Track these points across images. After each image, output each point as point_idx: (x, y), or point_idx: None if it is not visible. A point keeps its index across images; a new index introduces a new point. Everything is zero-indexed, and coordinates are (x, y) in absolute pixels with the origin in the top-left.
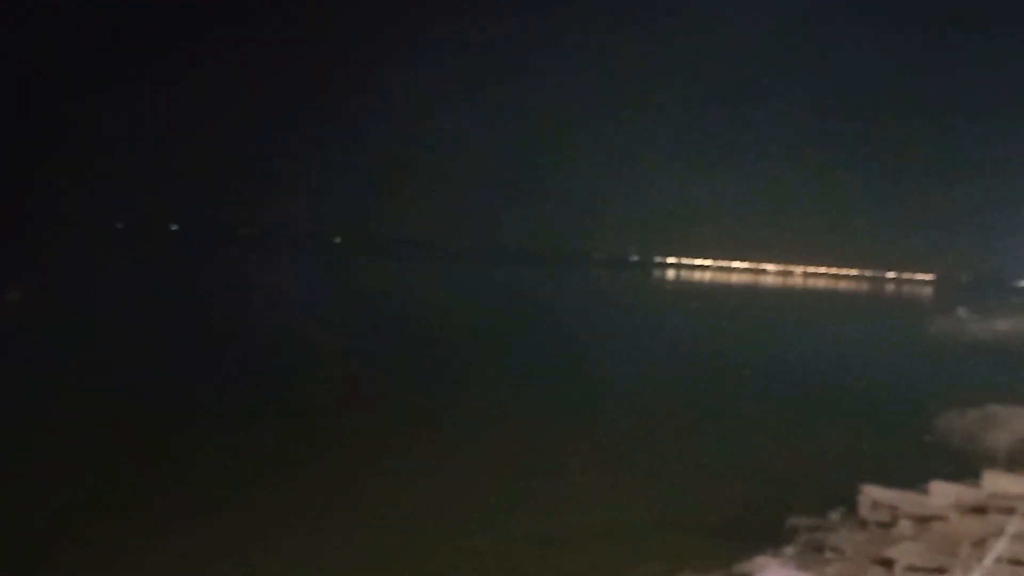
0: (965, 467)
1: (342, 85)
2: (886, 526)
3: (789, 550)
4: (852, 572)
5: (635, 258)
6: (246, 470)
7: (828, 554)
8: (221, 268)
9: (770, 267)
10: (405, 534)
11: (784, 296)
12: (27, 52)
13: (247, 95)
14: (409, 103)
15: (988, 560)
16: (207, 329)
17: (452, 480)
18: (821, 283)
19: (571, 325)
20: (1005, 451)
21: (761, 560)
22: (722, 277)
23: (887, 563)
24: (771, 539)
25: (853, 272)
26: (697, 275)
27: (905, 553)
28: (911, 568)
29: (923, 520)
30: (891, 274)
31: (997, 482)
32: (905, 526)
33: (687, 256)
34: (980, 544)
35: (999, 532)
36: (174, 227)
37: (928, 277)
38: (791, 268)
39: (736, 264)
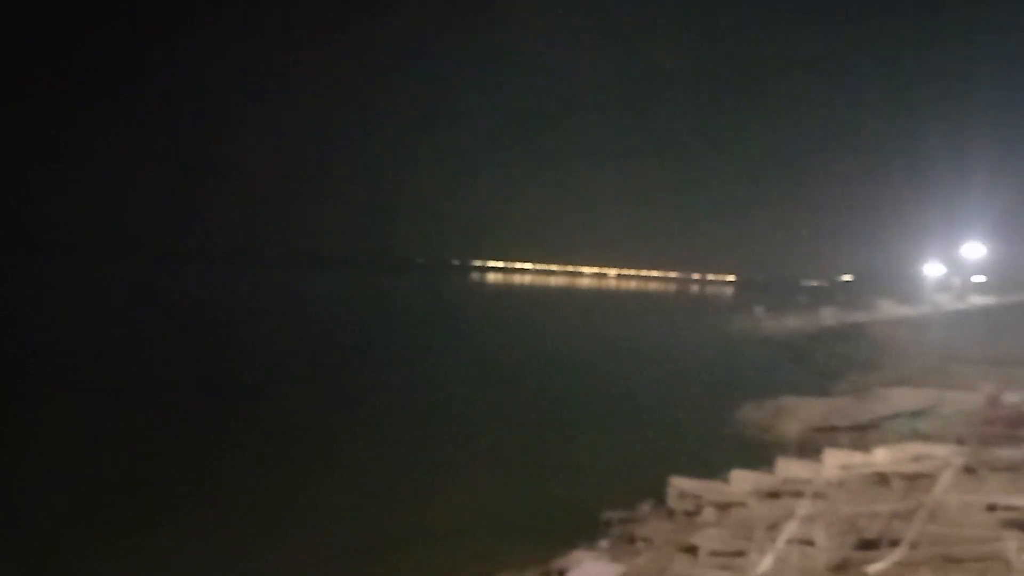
0: (762, 455)
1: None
2: (692, 514)
3: (603, 543)
4: (660, 560)
5: (456, 262)
6: None
7: (639, 544)
8: None
9: (586, 270)
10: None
11: (599, 298)
12: None
13: None
14: (210, 102)
15: (780, 542)
16: None
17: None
18: (633, 285)
19: (392, 331)
20: (796, 439)
21: (576, 555)
22: (541, 280)
23: (692, 549)
24: (586, 534)
25: (662, 274)
26: (517, 278)
27: (708, 539)
28: (713, 553)
29: (725, 507)
30: (696, 276)
31: (789, 468)
32: (709, 513)
33: (508, 260)
34: (774, 527)
35: (791, 515)
36: None
37: (729, 278)
38: (605, 271)
39: (554, 267)
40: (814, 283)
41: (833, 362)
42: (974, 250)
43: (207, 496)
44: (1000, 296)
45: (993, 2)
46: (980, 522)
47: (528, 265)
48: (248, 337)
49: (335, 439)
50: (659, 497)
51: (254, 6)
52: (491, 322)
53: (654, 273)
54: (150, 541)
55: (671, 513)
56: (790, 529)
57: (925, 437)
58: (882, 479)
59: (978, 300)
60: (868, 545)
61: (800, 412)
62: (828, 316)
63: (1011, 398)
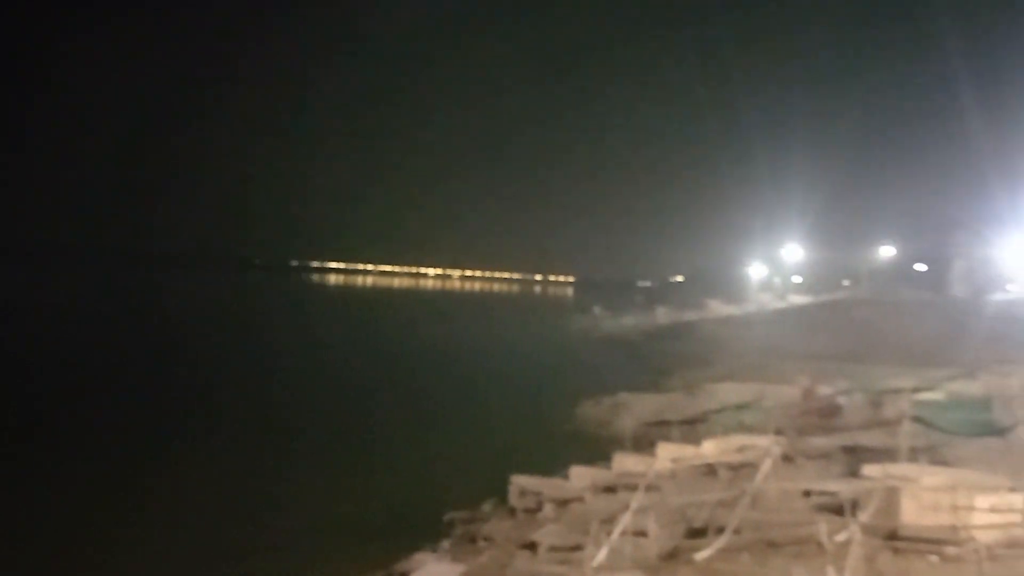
0: (599, 451)
1: None
2: (532, 511)
3: (445, 544)
4: (501, 558)
5: (296, 263)
6: None
7: (480, 544)
8: None
9: (429, 271)
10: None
11: (442, 299)
12: None
13: None
14: (43, 95)
15: (615, 534)
16: None
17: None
18: (477, 286)
19: (231, 333)
20: (631, 434)
21: (419, 557)
22: (384, 281)
23: (532, 546)
24: (429, 535)
25: (505, 275)
26: (359, 280)
27: (547, 535)
28: (552, 548)
29: (564, 503)
30: (538, 276)
31: (624, 462)
32: (549, 510)
33: (349, 261)
34: (610, 520)
35: (626, 508)
36: None
37: (569, 279)
38: (449, 272)
39: (397, 269)
40: (648, 283)
41: (666, 359)
42: (793, 252)
43: (24, 504)
44: (815, 295)
45: (816, 19)
46: (796, 507)
47: (370, 266)
48: (82, 339)
49: (171, 445)
50: (501, 496)
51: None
52: (332, 324)
53: (497, 274)
54: None
55: (512, 511)
56: (625, 521)
57: (749, 429)
58: (710, 470)
59: (796, 299)
60: (696, 533)
61: (635, 408)
62: (662, 315)
63: (824, 390)
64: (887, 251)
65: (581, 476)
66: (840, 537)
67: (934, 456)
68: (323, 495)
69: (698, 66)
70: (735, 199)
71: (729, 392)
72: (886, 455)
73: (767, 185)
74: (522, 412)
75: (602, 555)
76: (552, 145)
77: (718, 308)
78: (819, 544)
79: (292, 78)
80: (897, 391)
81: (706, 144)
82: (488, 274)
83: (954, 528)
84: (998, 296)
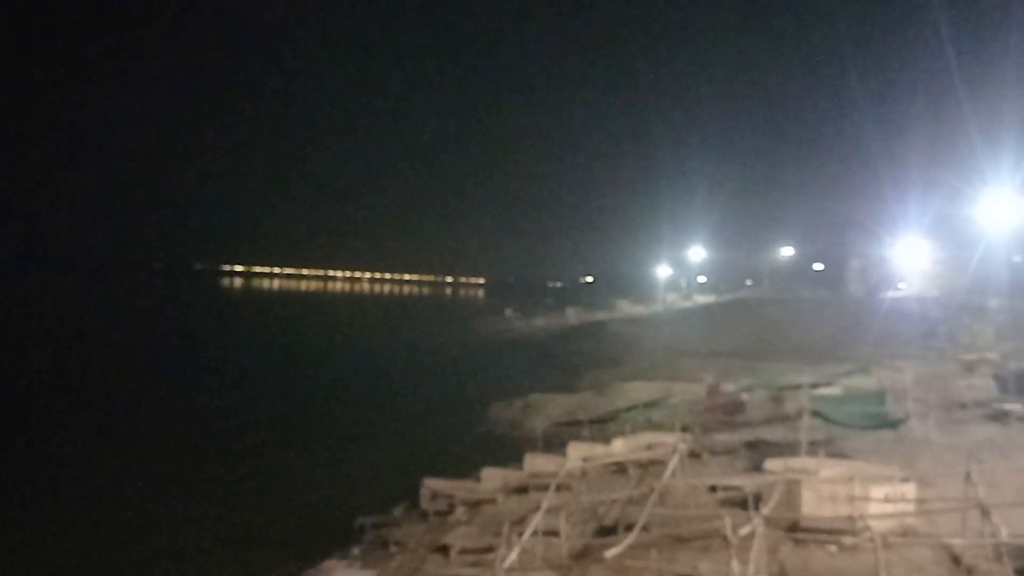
0: (511, 452)
1: None
2: (444, 514)
3: (356, 550)
4: (412, 562)
5: (199, 266)
6: None
7: (392, 548)
8: None
9: (338, 274)
10: None
11: (352, 301)
12: None
13: None
14: None
15: (527, 535)
16: None
17: None
18: (387, 288)
19: (131, 339)
20: (542, 434)
21: (329, 564)
22: (291, 285)
23: (444, 549)
24: (339, 542)
25: (415, 277)
26: (266, 283)
27: (459, 538)
28: (463, 551)
29: (476, 505)
30: (449, 278)
31: (536, 463)
32: (460, 512)
33: (254, 264)
34: (521, 521)
35: (537, 508)
36: None
37: (480, 280)
38: (358, 274)
39: (305, 271)
40: (559, 284)
41: (577, 359)
42: (697, 253)
43: None
44: (719, 295)
45: (719, 28)
46: (703, 503)
47: (277, 269)
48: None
49: (73, 453)
50: (413, 499)
51: None
52: (236, 330)
53: (407, 276)
54: None
55: (424, 515)
56: (536, 522)
57: (657, 427)
58: (620, 468)
59: (701, 299)
60: (607, 531)
61: (547, 408)
62: (572, 316)
63: (728, 387)
64: (786, 251)
65: (493, 477)
66: (744, 530)
67: (832, 449)
68: (231, 505)
69: (605, 72)
70: (642, 202)
71: (638, 391)
72: (787, 449)
73: (673, 189)
74: (433, 415)
75: (513, 556)
76: (461, 148)
77: (627, 308)
78: (725, 538)
79: (197, 78)
80: (797, 387)
81: (613, 148)
82: (398, 276)
83: (851, 518)
84: (891, 294)
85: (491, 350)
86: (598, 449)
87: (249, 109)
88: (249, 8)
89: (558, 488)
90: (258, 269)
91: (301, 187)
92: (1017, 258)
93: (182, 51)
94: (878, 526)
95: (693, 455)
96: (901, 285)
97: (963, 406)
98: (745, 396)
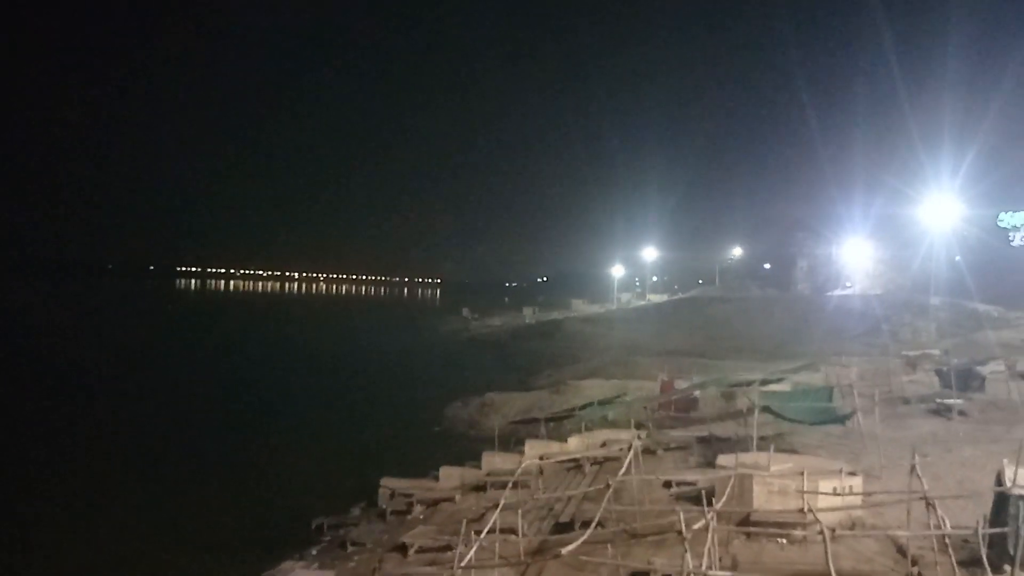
0: (469, 450)
1: None
2: (402, 513)
3: (313, 551)
4: (370, 562)
5: (153, 267)
6: None
7: (350, 548)
8: None
9: (295, 274)
10: None
11: (310, 301)
12: None
13: None
14: None
15: (484, 532)
16: None
17: None
18: (344, 288)
19: (87, 339)
20: (499, 433)
21: (286, 565)
22: (247, 285)
23: (402, 548)
24: (297, 543)
25: (372, 277)
26: (222, 284)
27: (417, 536)
28: (421, 550)
29: (434, 503)
30: (405, 278)
31: (493, 461)
32: (419, 511)
33: (211, 265)
34: (479, 519)
35: (495, 506)
36: None
37: (437, 280)
38: (315, 274)
39: (261, 272)
40: (515, 284)
41: (533, 358)
42: (650, 253)
43: None
44: (671, 294)
45: (670, 32)
46: (657, 498)
47: (233, 270)
48: None
49: (30, 456)
50: (371, 499)
51: None
52: (194, 329)
53: (364, 276)
54: None
55: (382, 514)
56: (493, 519)
57: (612, 424)
58: (576, 465)
59: (654, 298)
60: (563, 527)
61: (504, 407)
62: (528, 315)
63: (681, 384)
64: (736, 252)
65: (451, 476)
66: (698, 525)
67: (782, 444)
68: (187, 507)
69: (559, 76)
70: (596, 204)
71: (593, 389)
72: (739, 445)
73: (626, 191)
74: (391, 415)
75: (471, 554)
76: (417, 149)
77: (582, 307)
78: (679, 532)
79: (153, 79)
80: (747, 384)
81: (568, 151)
82: (354, 276)
83: (801, 512)
84: (838, 292)
85: (448, 349)
86: (555, 447)
87: (203, 111)
88: (207, 14)
89: (515, 486)
90: (213, 270)
91: (256, 188)
92: (957, 257)
93: (140, 51)
94: (827, 519)
95: (648, 451)
96: (848, 283)
97: (907, 401)
98: (697, 393)
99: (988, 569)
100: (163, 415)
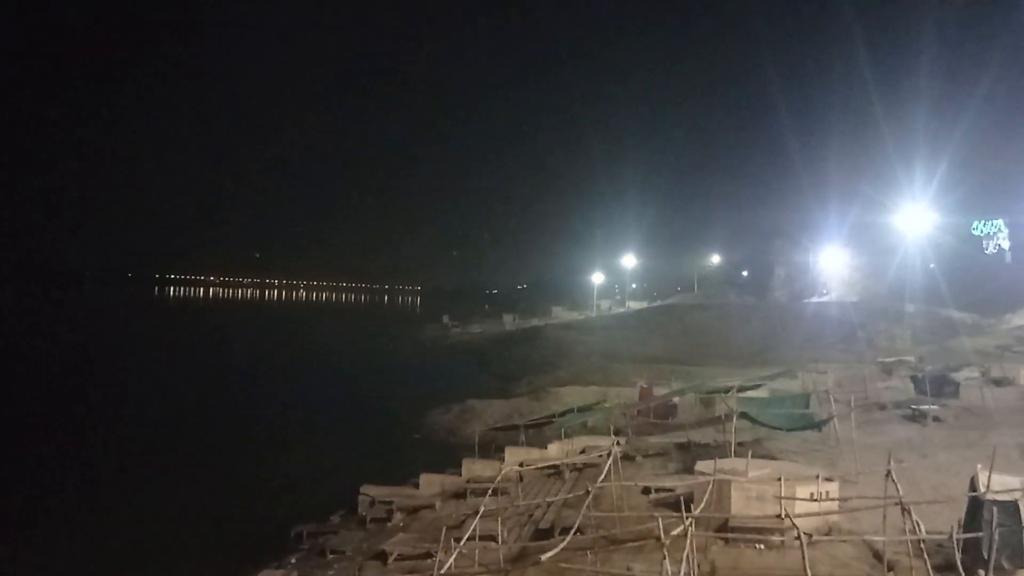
0: (449, 457)
1: None
2: (382, 521)
3: (292, 559)
4: (350, 570)
5: (131, 274)
6: None
7: (330, 556)
8: None
9: (275, 281)
10: None
11: (290, 309)
12: None
13: None
14: None
15: (464, 540)
16: None
17: None
18: (324, 296)
19: (67, 348)
20: (479, 440)
21: (266, 573)
22: (227, 293)
23: (381, 556)
24: (276, 551)
25: (352, 285)
26: (202, 291)
27: (397, 544)
28: (401, 557)
29: (414, 511)
30: (386, 286)
31: (473, 468)
32: (399, 518)
33: (191, 272)
34: (459, 526)
35: (475, 513)
36: None
37: (417, 288)
38: (295, 282)
39: (242, 279)
40: (496, 291)
41: (514, 365)
42: (630, 261)
43: None
44: (650, 301)
45: (651, 40)
46: (636, 504)
47: (213, 277)
48: None
49: (4, 464)
50: (351, 506)
51: None
52: (174, 336)
53: (344, 284)
54: None
55: (362, 521)
56: (473, 527)
57: (592, 431)
58: (556, 471)
59: (633, 305)
60: (543, 534)
61: (484, 414)
62: (509, 322)
63: (660, 391)
64: (714, 259)
65: (431, 483)
66: (676, 531)
67: (759, 450)
68: (165, 515)
69: (538, 84)
70: (576, 212)
71: (573, 395)
72: (717, 451)
73: (606, 199)
74: (371, 422)
75: (451, 561)
76: (398, 157)
77: (562, 314)
78: (657, 539)
79: (135, 86)
80: (725, 390)
81: (548, 159)
82: (335, 284)
83: (778, 517)
84: (814, 299)
85: (428, 357)
86: (534, 453)
87: (182, 119)
88: (195, 19)
89: (495, 492)
90: (193, 277)
91: (236, 196)
92: (932, 265)
93: (123, 58)
94: (804, 525)
95: (627, 458)
96: (824, 291)
97: (882, 407)
98: (676, 399)
99: (963, 573)
100: (141, 424)
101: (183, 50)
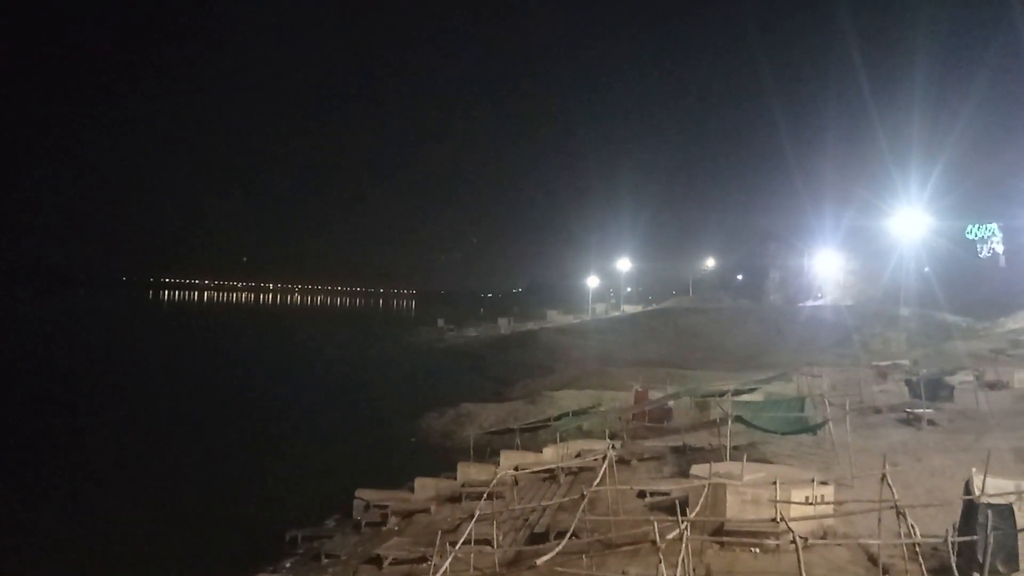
0: (444, 461)
1: None
2: (377, 525)
3: (287, 563)
4: (345, 574)
5: (126, 278)
6: None
7: (325, 560)
8: None
9: (270, 285)
10: None
11: (285, 313)
12: None
13: None
14: None
15: (459, 544)
16: None
17: None
18: (319, 299)
19: (59, 351)
20: (475, 443)
21: None
22: (222, 296)
23: (376, 560)
24: (270, 555)
25: (347, 288)
26: (195, 295)
27: (391, 549)
28: (396, 562)
29: (408, 515)
30: (381, 289)
31: (468, 472)
32: (393, 523)
33: (185, 276)
34: (454, 530)
35: (470, 517)
36: None
37: (412, 291)
38: (290, 285)
39: (236, 283)
40: (490, 295)
41: (509, 369)
42: (625, 264)
43: None
44: (645, 305)
45: (645, 44)
46: (632, 508)
47: (207, 281)
48: None
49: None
50: (346, 510)
51: None
52: (168, 340)
53: (339, 287)
54: None
55: (357, 526)
56: (468, 531)
57: (587, 434)
58: (551, 475)
59: (628, 308)
60: (538, 538)
61: (479, 417)
62: (504, 326)
63: (655, 394)
64: (709, 263)
65: (425, 487)
66: (672, 535)
67: (754, 454)
68: (160, 520)
69: (534, 87)
70: (571, 216)
71: (568, 399)
72: (712, 454)
73: (601, 203)
74: (366, 426)
75: (445, 566)
76: (392, 160)
77: (557, 318)
78: (653, 542)
79: (129, 90)
80: (720, 394)
81: (543, 163)
82: (330, 287)
83: (773, 521)
84: (809, 303)
85: (423, 360)
86: (530, 457)
87: (178, 123)
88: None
89: (490, 496)
90: (187, 281)
91: (231, 199)
92: (927, 269)
93: (115, 61)
94: (799, 528)
95: (622, 461)
96: (819, 294)
97: (877, 410)
98: (671, 403)
99: None
100: (135, 428)
101: (174, 52)
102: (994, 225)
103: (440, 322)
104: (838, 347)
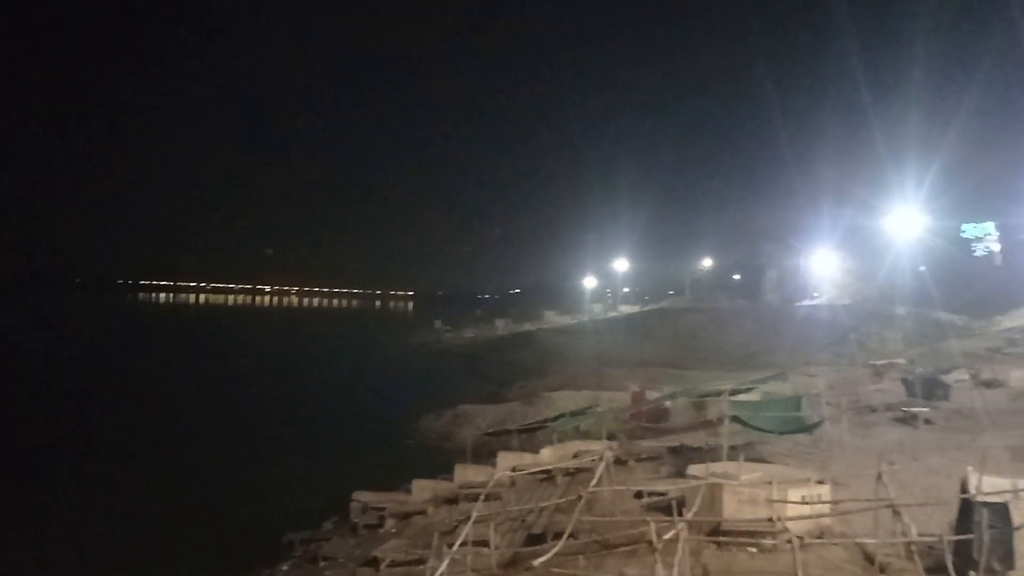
0: (441, 463)
1: None
2: (374, 527)
3: (284, 566)
4: None
5: (122, 281)
6: None
7: (322, 563)
8: None
9: (266, 288)
10: None
11: (281, 315)
12: None
13: None
14: None
15: (456, 546)
16: None
17: None
18: (316, 301)
19: (55, 356)
20: (472, 445)
21: None
22: (218, 299)
23: (374, 562)
24: (268, 558)
25: (344, 290)
26: (192, 298)
27: (389, 551)
28: (393, 564)
29: (406, 517)
30: (378, 291)
31: (465, 473)
32: (391, 525)
33: (181, 279)
34: (451, 532)
35: (467, 518)
36: None
37: (409, 293)
38: (287, 288)
39: (232, 285)
40: (488, 296)
41: (506, 370)
42: (622, 265)
43: None
44: (642, 305)
45: (640, 47)
46: (629, 509)
47: (203, 284)
48: None
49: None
50: (343, 513)
51: None
52: (165, 343)
53: (336, 289)
54: None
55: (354, 528)
56: (466, 532)
57: (584, 435)
58: (548, 476)
59: (626, 309)
60: (536, 539)
61: (476, 419)
62: (501, 327)
63: (652, 395)
64: (706, 262)
65: (423, 489)
66: (669, 535)
67: (751, 453)
68: (157, 523)
69: (530, 87)
70: (568, 216)
71: (565, 400)
72: (709, 454)
73: (597, 203)
74: (364, 428)
75: (443, 567)
76: (389, 162)
77: (554, 319)
78: (650, 543)
79: (122, 91)
80: (717, 394)
81: (539, 163)
82: (327, 290)
83: (770, 520)
84: (806, 302)
85: (421, 362)
86: (527, 458)
87: (173, 126)
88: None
89: (487, 498)
90: (183, 283)
91: (226, 201)
92: (922, 268)
93: (106, 59)
94: (796, 527)
95: (619, 462)
96: (816, 294)
97: (873, 410)
98: (668, 403)
99: (953, 575)
100: (132, 430)
101: (169, 55)
102: (990, 224)
103: (437, 323)
104: (834, 346)
